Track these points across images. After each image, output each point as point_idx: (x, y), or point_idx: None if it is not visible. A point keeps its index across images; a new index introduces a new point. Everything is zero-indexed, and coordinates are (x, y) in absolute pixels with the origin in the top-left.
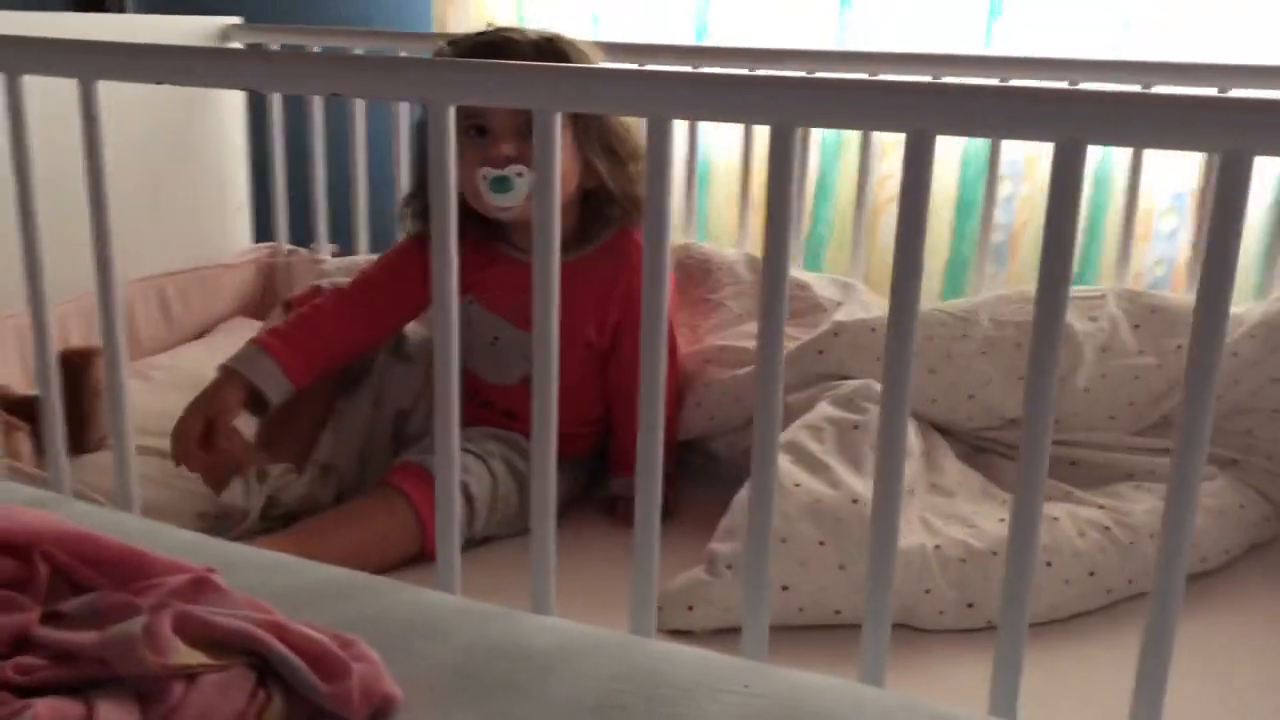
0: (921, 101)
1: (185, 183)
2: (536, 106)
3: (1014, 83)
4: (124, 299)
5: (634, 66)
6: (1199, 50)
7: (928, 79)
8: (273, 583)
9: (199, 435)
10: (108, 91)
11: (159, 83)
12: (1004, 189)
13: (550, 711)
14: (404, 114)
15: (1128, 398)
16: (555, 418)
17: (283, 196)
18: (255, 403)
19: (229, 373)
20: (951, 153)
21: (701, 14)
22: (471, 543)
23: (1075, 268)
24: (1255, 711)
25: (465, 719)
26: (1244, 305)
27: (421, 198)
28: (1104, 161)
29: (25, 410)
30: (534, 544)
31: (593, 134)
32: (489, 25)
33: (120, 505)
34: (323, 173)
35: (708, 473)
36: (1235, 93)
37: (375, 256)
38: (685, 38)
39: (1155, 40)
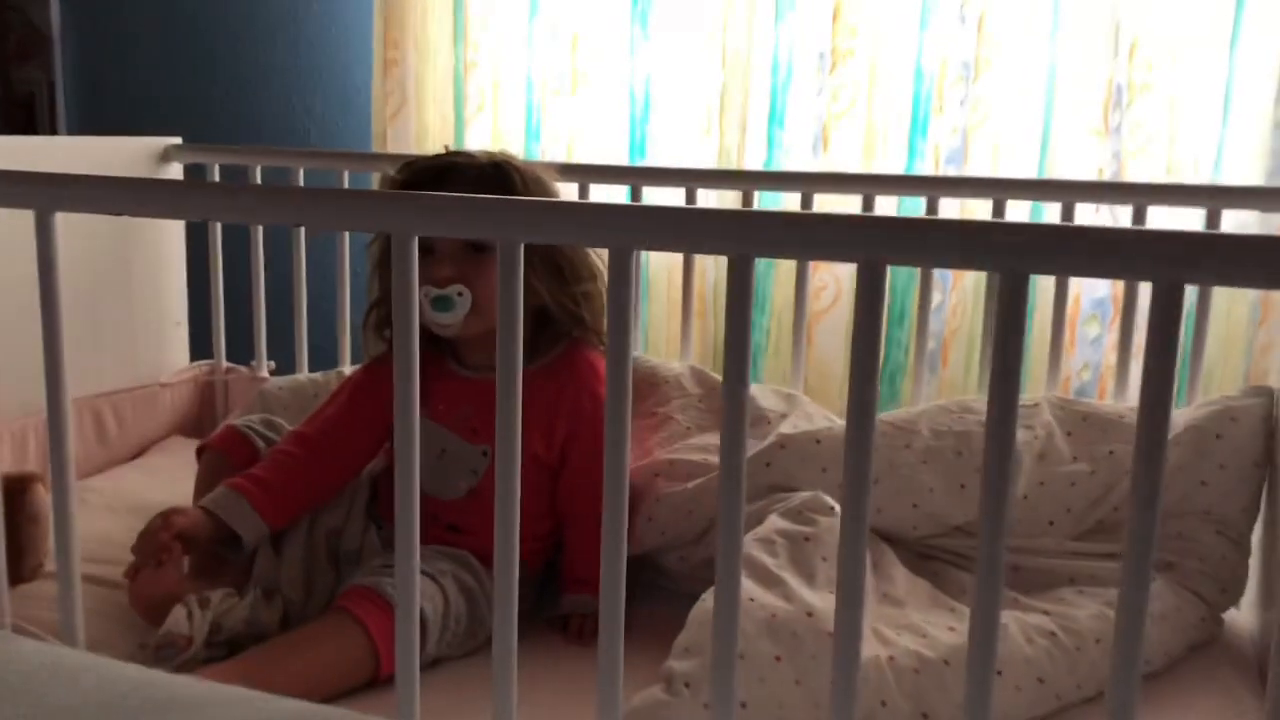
0: (874, 233)
1: (121, 298)
2: (500, 238)
3: (944, 201)
4: (72, 427)
5: (599, 201)
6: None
7: (859, 197)
8: None
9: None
10: None
11: (119, 214)
12: (934, 297)
13: None
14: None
15: (1065, 504)
16: (516, 546)
17: (221, 313)
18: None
19: (205, 514)
20: None
21: (638, 128)
22: (422, 665)
23: None
24: None
25: None
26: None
27: (385, 305)
28: None
29: None
30: (495, 671)
31: (535, 255)
32: (445, 148)
33: (66, 640)
34: (263, 289)
35: (659, 588)
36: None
37: (317, 376)
38: (622, 150)
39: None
